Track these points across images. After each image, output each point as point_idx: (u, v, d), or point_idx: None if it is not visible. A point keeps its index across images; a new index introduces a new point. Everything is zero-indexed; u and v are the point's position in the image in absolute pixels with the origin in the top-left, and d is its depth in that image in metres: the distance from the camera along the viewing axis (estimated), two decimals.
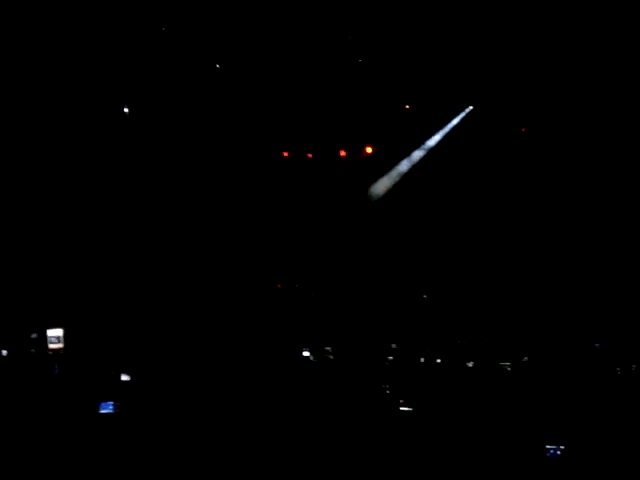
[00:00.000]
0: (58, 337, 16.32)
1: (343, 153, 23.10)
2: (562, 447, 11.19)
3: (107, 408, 12.21)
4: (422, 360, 16.20)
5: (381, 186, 23.08)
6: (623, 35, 17.81)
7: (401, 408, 13.11)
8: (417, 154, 22.54)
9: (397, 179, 22.82)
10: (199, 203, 21.44)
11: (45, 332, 16.31)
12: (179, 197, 21.31)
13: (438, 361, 16.13)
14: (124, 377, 15.00)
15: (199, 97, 20.79)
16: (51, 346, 16.30)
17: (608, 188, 20.00)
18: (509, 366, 16.31)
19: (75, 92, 19.53)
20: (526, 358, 15.88)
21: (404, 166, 22.72)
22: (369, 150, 22.73)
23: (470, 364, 15.25)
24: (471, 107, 21.66)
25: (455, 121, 21.87)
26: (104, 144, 20.58)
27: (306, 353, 16.60)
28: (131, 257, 20.90)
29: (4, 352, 16.45)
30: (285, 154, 23.18)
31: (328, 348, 17.52)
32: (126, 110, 20.52)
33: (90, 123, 20.27)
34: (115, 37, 18.77)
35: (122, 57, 19.28)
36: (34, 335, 16.61)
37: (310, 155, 23.18)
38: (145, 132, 21.10)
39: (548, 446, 11.22)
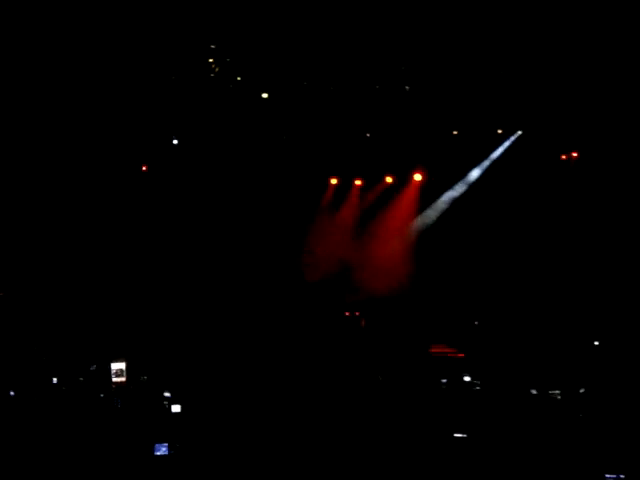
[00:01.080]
0: (121, 370, 16.29)
1: (390, 180, 23.10)
2: (622, 476, 11.04)
3: (161, 450, 12.17)
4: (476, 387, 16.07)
5: (429, 215, 23.05)
6: None
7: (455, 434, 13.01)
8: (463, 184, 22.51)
9: (447, 205, 22.77)
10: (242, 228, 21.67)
11: (109, 365, 16.27)
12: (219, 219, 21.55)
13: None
14: (175, 409, 14.97)
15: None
16: (115, 379, 16.24)
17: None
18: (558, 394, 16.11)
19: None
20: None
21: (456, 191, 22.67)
22: (418, 177, 22.70)
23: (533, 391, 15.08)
24: (520, 132, 21.55)
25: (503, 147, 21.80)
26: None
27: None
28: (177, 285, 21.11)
29: (54, 380, 16.51)
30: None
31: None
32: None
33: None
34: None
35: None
36: (94, 367, 16.63)
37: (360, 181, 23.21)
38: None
39: (608, 475, 11.08)
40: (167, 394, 15.99)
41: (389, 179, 23.00)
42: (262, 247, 22.01)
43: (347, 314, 22.05)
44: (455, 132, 21.50)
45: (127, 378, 16.06)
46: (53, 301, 20.02)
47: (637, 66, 17.98)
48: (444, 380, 16.44)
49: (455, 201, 22.69)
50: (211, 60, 19.84)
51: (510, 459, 11.92)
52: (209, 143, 21.64)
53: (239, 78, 20.12)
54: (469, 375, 16.65)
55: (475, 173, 22.26)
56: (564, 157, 21.40)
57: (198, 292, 21.11)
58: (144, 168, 21.72)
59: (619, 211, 20.18)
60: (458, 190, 22.58)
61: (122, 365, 16.17)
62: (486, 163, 22.05)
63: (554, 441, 12.62)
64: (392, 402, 14.84)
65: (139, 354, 17.52)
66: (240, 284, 21.46)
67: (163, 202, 21.79)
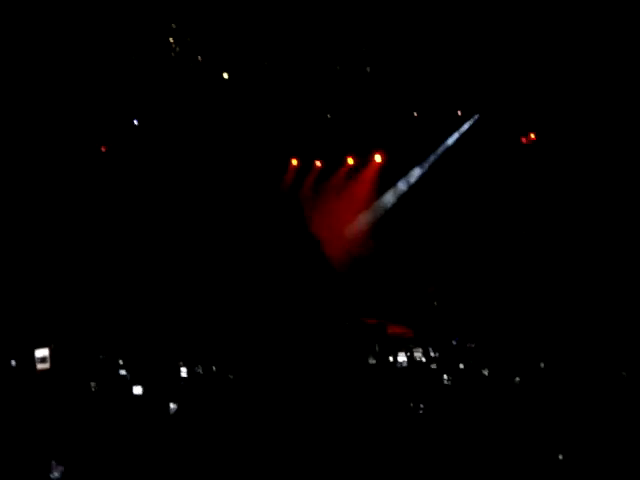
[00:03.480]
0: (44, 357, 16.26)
1: (352, 161, 23.23)
2: None
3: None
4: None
5: (389, 197, 23.23)
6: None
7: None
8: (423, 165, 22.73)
9: (406, 189, 23.00)
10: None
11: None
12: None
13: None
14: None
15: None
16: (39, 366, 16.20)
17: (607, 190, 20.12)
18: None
19: (76, 94, 19.58)
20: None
21: (413, 176, 22.87)
22: (378, 158, 22.83)
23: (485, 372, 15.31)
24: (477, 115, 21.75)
25: (462, 129, 21.98)
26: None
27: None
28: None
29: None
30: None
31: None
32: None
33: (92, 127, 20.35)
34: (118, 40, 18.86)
35: (122, 57, 19.36)
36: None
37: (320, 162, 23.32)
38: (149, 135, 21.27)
39: None
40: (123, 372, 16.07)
41: (350, 160, 23.14)
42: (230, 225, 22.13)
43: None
44: (415, 114, 21.67)
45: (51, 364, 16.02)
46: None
47: (595, 46, 18.17)
48: (401, 360, 16.64)
49: (414, 184, 22.90)
50: (172, 40, 19.82)
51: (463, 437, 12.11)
52: (170, 124, 21.60)
53: (200, 58, 20.10)
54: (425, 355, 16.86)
55: (433, 157, 22.46)
56: (524, 140, 21.59)
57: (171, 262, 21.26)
58: (103, 149, 21.62)
59: (580, 192, 20.41)
60: (417, 173, 22.78)
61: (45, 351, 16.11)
62: (445, 145, 22.25)
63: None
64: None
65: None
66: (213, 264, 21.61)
67: (123, 182, 21.73)
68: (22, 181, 20.22)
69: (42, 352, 15.99)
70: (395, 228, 22.67)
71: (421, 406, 13.19)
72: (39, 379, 15.58)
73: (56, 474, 10.22)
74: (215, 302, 20.68)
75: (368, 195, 23.27)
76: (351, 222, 23.15)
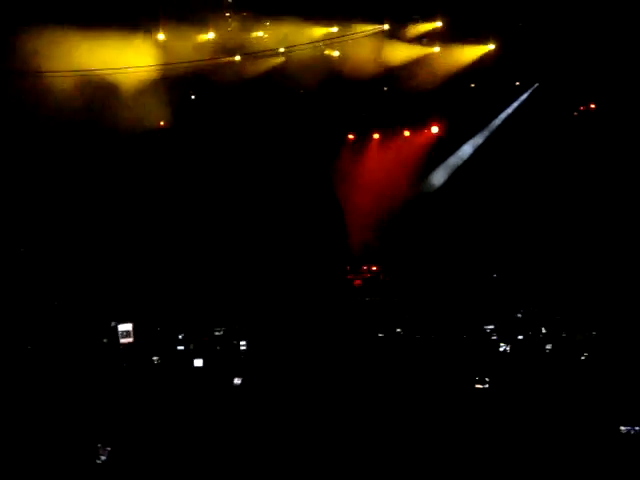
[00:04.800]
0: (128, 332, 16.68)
1: (407, 133, 23.17)
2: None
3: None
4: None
5: (442, 172, 23.12)
6: None
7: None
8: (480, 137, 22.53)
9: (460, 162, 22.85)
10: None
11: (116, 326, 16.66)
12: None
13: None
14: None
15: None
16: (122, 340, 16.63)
17: None
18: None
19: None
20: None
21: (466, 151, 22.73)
22: (435, 130, 22.74)
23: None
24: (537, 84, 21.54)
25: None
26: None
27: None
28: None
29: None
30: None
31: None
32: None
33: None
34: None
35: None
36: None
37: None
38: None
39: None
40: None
41: (406, 132, 23.10)
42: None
43: None
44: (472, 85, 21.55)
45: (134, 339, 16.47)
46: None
47: None
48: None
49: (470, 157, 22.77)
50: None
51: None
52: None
53: None
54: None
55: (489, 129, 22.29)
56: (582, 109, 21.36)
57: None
58: (162, 124, 21.73)
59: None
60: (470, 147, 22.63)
61: (129, 326, 16.54)
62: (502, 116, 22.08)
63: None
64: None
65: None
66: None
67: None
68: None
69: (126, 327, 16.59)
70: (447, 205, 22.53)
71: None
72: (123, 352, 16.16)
73: (103, 457, 10.53)
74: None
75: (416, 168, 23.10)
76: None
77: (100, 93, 19.39)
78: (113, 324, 16.76)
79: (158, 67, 19.25)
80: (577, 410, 11.89)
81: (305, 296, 19.31)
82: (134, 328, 16.71)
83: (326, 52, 20.41)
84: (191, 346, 16.33)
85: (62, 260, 20.22)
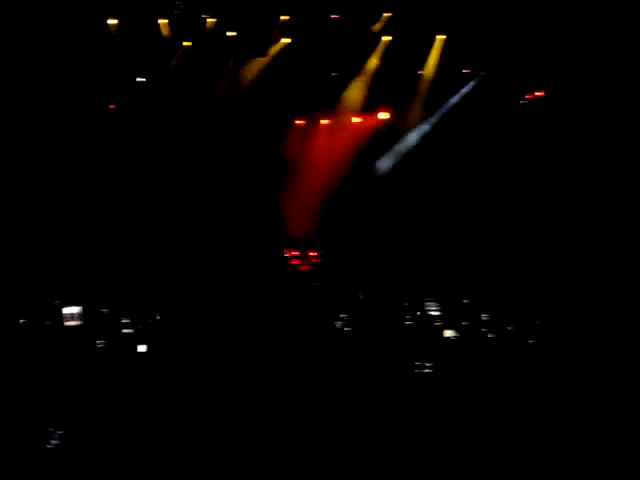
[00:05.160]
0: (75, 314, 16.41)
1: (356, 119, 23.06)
2: None
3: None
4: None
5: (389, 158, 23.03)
6: None
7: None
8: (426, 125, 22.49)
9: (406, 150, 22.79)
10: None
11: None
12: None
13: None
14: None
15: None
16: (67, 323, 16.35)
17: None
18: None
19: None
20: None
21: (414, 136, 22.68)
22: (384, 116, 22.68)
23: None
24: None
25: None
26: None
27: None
28: None
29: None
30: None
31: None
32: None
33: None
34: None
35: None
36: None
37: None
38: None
39: None
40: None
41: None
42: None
43: None
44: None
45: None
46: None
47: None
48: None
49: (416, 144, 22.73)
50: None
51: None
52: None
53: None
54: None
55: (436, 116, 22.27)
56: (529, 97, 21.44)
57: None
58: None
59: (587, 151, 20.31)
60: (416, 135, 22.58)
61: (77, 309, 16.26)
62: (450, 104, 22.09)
63: None
64: None
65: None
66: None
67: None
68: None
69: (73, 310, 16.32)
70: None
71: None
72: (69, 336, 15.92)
73: (54, 440, 10.36)
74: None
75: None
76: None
77: None
78: (57, 303, 16.53)
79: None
80: (523, 396, 11.95)
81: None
82: (83, 311, 16.47)
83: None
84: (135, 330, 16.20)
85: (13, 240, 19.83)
